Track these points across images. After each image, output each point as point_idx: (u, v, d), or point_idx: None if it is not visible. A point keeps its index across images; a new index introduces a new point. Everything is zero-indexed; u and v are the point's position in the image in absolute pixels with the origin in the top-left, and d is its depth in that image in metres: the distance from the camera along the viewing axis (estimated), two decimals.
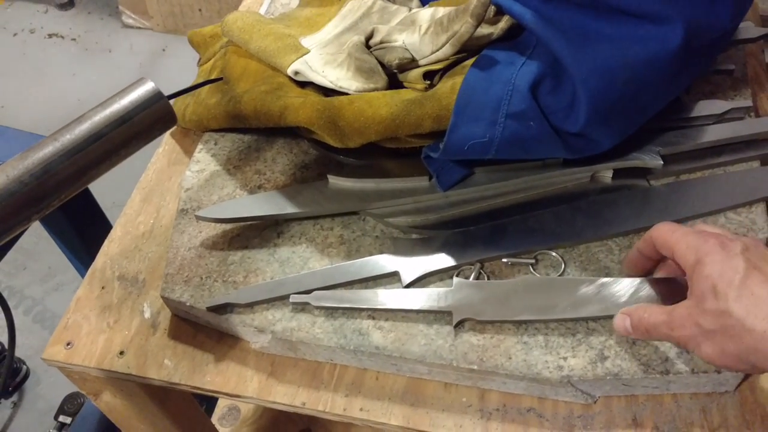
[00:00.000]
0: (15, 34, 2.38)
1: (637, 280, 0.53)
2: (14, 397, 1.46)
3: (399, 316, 0.55)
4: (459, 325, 0.53)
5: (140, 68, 2.20)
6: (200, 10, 2.20)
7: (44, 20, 2.42)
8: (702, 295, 0.44)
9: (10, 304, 0.60)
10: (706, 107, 0.63)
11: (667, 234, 0.48)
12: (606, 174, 0.61)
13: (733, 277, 0.43)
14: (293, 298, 0.55)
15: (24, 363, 1.48)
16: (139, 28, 2.34)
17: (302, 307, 0.56)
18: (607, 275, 0.56)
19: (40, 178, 0.43)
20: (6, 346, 0.76)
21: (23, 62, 2.26)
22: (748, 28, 0.70)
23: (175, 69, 2.10)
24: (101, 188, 1.20)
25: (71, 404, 1.39)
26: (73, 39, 2.34)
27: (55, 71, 2.22)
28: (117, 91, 0.47)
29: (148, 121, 0.47)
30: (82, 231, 0.98)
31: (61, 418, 1.38)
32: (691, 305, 0.45)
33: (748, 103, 0.64)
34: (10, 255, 1.74)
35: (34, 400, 1.47)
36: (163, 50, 2.26)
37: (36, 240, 1.70)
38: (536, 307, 0.53)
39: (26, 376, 1.48)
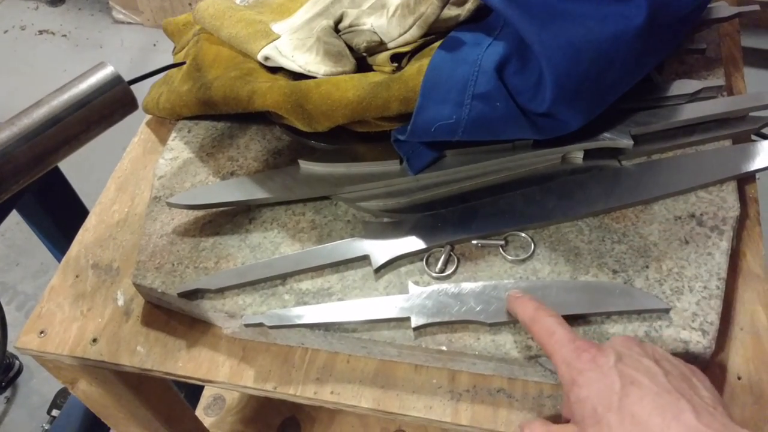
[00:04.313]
0: (5, 31, 2.37)
1: None
2: (7, 393, 1.47)
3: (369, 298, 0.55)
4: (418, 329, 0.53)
5: (131, 63, 2.20)
6: (190, 4, 2.19)
7: (35, 17, 2.42)
8: (583, 420, 0.41)
9: (3, 300, 0.60)
10: (678, 87, 0.63)
11: (543, 335, 0.46)
12: (577, 155, 0.60)
13: (610, 398, 0.40)
14: (246, 320, 0.54)
15: (17, 358, 1.49)
16: (130, 23, 2.34)
17: (272, 292, 0.56)
18: (576, 255, 0.56)
19: None
20: None
21: (14, 59, 2.26)
22: (722, 8, 0.70)
23: (166, 64, 2.10)
24: (87, 184, 1.20)
25: (63, 399, 1.40)
26: (64, 35, 2.34)
27: (46, 68, 2.22)
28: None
29: (108, 105, 0.47)
30: (65, 226, 0.98)
31: (54, 413, 1.39)
32: (575, 431, 0.42)
33: (721, 82, 0.64)
34: (3, 251, 1.75)
35: (27, 395, 1.47)
36: (154, 45, 2.26)
37: (28, 236, 1.69)
38: (492, 312, 0.52)
39: (19, 372, 1.49)
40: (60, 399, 1.40)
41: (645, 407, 0.40)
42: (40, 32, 2.36)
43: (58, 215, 0.97)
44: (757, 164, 0.60)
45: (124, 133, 0.70)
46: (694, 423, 0.38)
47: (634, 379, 0.41)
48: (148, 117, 0.75)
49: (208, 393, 1.04)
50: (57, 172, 0.97)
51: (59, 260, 0.66)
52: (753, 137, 0.63)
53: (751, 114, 0.62)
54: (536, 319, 0.47)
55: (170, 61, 0.72)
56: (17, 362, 1.49)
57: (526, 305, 0.49)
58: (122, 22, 2.35)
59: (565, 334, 0.45)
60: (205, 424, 0.92)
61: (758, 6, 0.69)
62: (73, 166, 0.74)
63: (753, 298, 0.55)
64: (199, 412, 1.02)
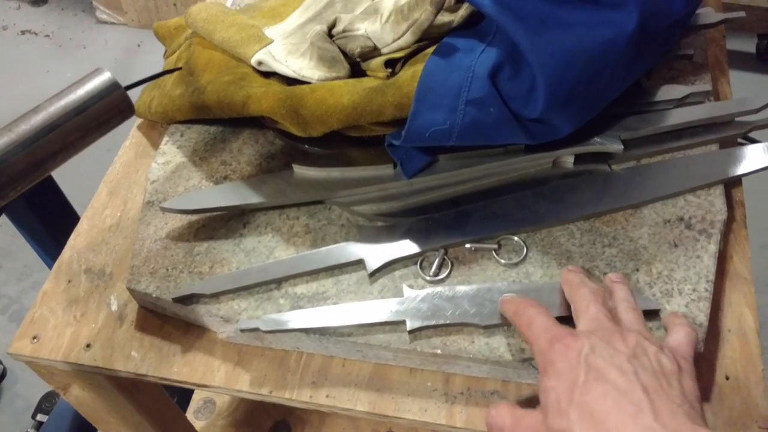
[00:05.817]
0: None
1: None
2: None
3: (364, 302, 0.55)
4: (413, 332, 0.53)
5: (115, 64, 2.18)
6: (175, 4, 2.18)
7: (17, 17, 2.39)
8: (547, 410, 0.41)
9: None
10: (666, 92, 0.64)
11: (523, 326, 0.47)
12: (567, 159, 0.61)
13: (572, 392, 0.40)
14: (241, 325, 0.54)
15: (0, 362, 1.47)
16: (114, 23, 2.32)
17: (267, 297, 0.56)
18: (568, 259, 0.56)
19: None
20: None
21: None
22: (709, 14, 0.71)
23: (151, 64, 2.09)
24: (75, 187, 1.19)
25: (49, 403, 1.38)
26: (47, 35, 2.32)
27: (28, 68, 2.20)
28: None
29: (105, 111, 0.47)
30: (53, 229, 0.98)
31: (39, 417, 1.38)
32: (539, 419, 0.42)
33: (708, 87, 0.65)
34: None
35: (11, 399, 1.46)
36: (138, 45, 2.25)
37: (12, 239, 1.68)
38: (486, 314, 0.53)
39: (3, 376, 1.47)
40: (45, 403, 1.39)
41: (605, 404, 0.39)
42: (23, 32, 2.33)
43: (47, 219, 0.96)
44: (743, 168, 0.61)
45: (113, 136, 0.70)
46: (650, 423, 0.38)
47: (599, 374, 0.41)
48: (139, 120, 0.74)
49: (198, 396, 1.03)
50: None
51: (48, 264, 0.66)
52: (739, 141, 0.65)
53: (738, 119, 0.64)
54: (518, 312, 0.48)
55: (155, 61, 0.72)
56: (1, 366, 1.47)
57: (513, 302, 0.50)
58: (106, 23, 2.33)
59: (543, 324, 0.45)
60: (196, 428, 0.92)
61: (744, 12, 0.70)
62: (62, 170, 0.73)
63: (740, 300, 0.57)
64: (189, 415, 1.02)
